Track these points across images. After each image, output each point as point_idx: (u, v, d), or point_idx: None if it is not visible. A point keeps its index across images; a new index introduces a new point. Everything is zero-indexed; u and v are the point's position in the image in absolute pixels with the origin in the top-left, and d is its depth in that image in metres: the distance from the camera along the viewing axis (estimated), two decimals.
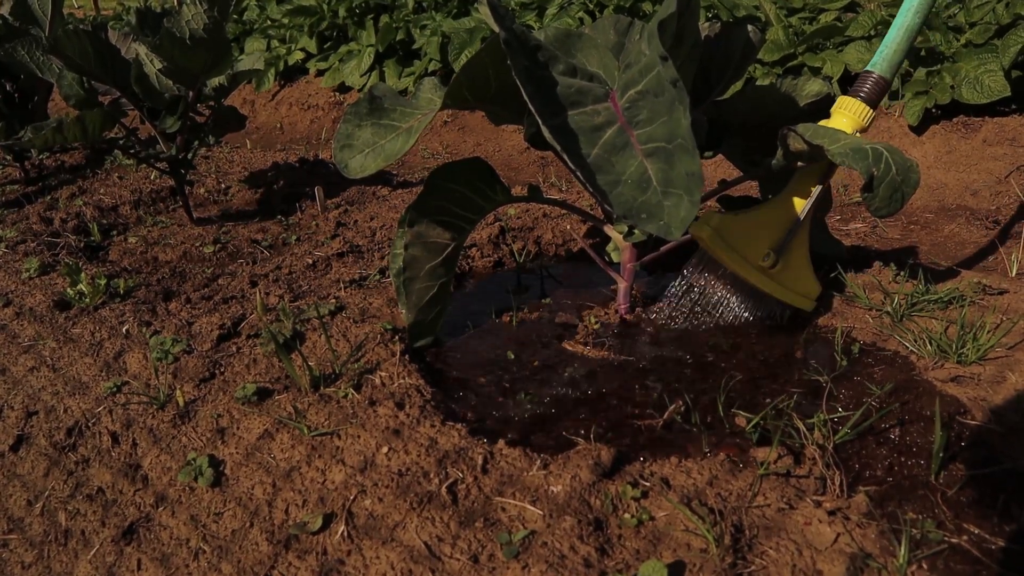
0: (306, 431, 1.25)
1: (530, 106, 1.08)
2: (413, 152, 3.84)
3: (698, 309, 1.60)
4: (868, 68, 1.49)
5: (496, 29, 1.12)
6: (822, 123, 1.51)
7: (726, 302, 1.59)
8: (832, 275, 1.66)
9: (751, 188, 2.46)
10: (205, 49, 2.14)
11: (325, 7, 4.56)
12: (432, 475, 1.12)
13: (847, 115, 1.48)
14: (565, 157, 1.06)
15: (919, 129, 2.72)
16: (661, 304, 1.67)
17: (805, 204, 1.49)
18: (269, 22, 5.13)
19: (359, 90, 4.39)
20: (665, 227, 1.03)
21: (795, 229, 1.48)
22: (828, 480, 1.06)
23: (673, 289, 1.62)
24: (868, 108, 1.47)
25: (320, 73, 4.69)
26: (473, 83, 1.25)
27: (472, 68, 1.20)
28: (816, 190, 1.49)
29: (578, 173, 1.06)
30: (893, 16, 2.83)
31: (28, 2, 2.37)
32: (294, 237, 2.38)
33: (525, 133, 1.45)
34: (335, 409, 1.30)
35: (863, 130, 1.49)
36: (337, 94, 4.55)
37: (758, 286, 1.48)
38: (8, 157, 3.35)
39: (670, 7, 1.13)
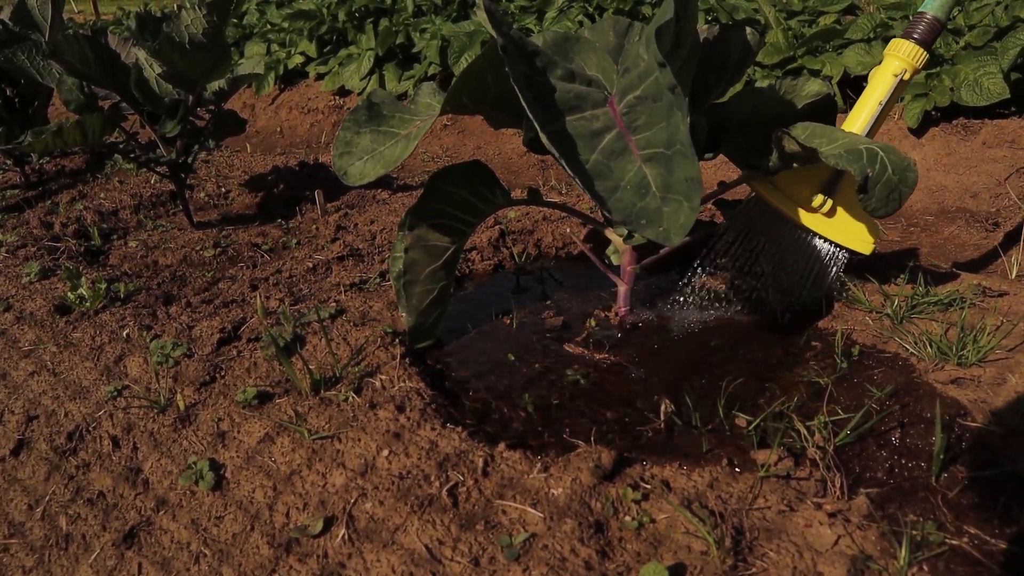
0: (306, 435, 1.25)
1: (528, 112, 1.08)
2: (413, 155, 3.84)
3: (743, 269, 1.55)
4: (921, 9, 1.47)
5: (493, 34, 1.13)
6: (874, 70, 1.49)
7: (776, 256, 1.54)
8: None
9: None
10: (205, 53, 2.15)
11: (325, 11, 4.56)
12: (433, 478, 1.12)
13: (899, 57, 1.46)
14: (563, 163, 1.06)
15: (919, 131, 2.72)
16: (692, 276, 1.61)
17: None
18: (269, 26, 5.13)
19: (359, 94, 4.40)
20: (665, 233, 1.03)
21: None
22: (829, 482, 1.06)
23: (711, 251, 1.56)
24: (921, 50, 1.45)
25: (320, 77, 4.69)
26: (472, 89, 1.25)
27: (470, 74, 1.21)
28: (870, 124, 1.47)
29: (576, 179, 1.06)
30: (892, 19, 2.84)
31: (28, 7, 2.38)
32: (294, 241, 2.38)
33: (523, 137, 1.45)
34: (335, 412, 1.30)
35: (917, 71, 1.47)
36: (337, 98, 4.56)
37: (812, 227, 1.43)
38: (8, 162, 3.35)
39: (667, 13, 1.13)
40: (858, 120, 1.51)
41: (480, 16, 1.18)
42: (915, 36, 1.46)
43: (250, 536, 1.11)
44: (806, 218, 1.45)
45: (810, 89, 1.58)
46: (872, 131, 1.49)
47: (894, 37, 1.50)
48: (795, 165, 1.44)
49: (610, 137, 1.13)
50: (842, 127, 1.52)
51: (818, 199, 1.46)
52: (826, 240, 1.49)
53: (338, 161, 1.31)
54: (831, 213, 1.47)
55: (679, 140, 1.06)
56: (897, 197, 1.25)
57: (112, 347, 1.63)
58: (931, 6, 1.47)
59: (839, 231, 1.47)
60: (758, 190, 1.46)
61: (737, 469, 1.12)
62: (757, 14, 3.32)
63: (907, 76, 1.46)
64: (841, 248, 1.50)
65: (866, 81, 1.68)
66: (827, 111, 1.56)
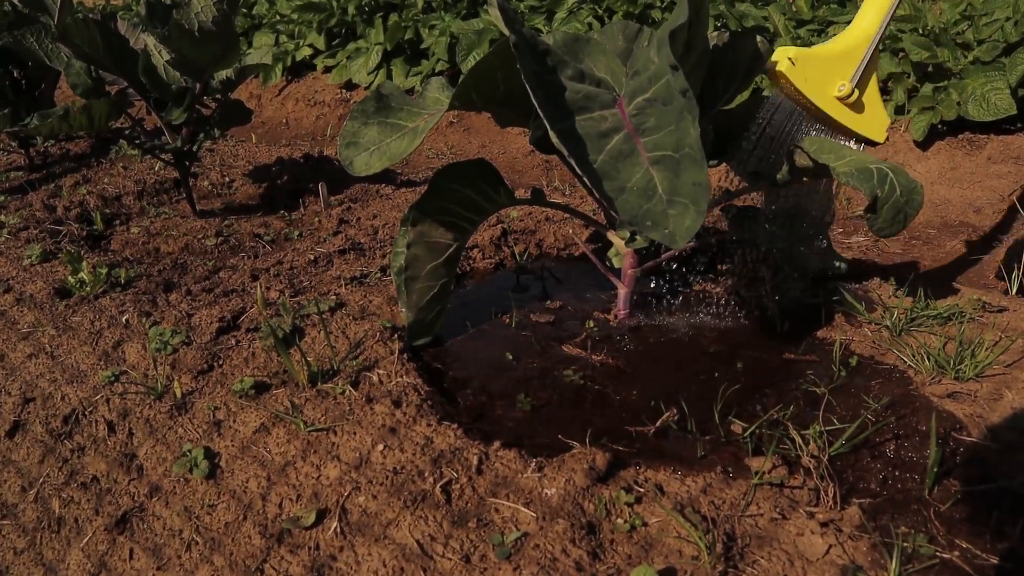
0: (302, 426, 1.25)
1: (538, 110, 1.08)
2: (418, 151, 3.84)
3: (771, 156, 1.61)
4: None
5: (506, 32, 1.13)
6: (851, 23, 1.52)
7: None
8: (834, 295, 1.66)
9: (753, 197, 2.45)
10: (213, 42, 2.15)
11: (335, 4, 4.56)
12: (427, 474, 1.12)
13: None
14: (572, 162, 1.07)
15: (924, 144, 2.72)
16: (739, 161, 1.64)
17: (877, 31, 1.50)
18: (278, 17, 5.13)
19: (366, 88, 4.39)
20: (670, 236, 1.03)
21: (867, 57, 1.50)
22: (822, 492, 1.06)
23: (745, 144, 1.62)
24: None
25: (327, 70, 4.69)
26: (481, 85, 1.25)
27: (480, 70, 1.21)
28: (887, 17, 1.50)
29: (584, 179, 1.06)
30: (901, 32, 2.84)
31: None
32: (296, 233, 2.38)
33: (531, 136, 1.45)
34: (332, 405, 1.30)
35: (893, 14, 1.51)
36: (344, 91, 4.55)
37: (836, 118, 1.49)
38: (13, 144, 3.35)
39: (681, 16, 1.13)
40: (870, 12, 1.52)
41: (493, 13, 1.18)
42: None
43: (242, 526, 1.11)
44: (830, 107, 1.49)
45: None
46: (883, 31, 1.52)
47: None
48: (804, 180, 1.45)
49: (618, 139, 1.13)
50: (857, 14, 1.54)
51: (847, 87, 1.48)
52: (844, 133, 1.53)
53: (344, 151, 1.31)
54: (853, 103, 1.51)
55: (688, 144, 1.06)
56: (903, 219, 1.26)
57: (111, 332, 1.63)
58: None
59: (857, 120, 1.51)
60: (787, 77, 1.48)
61: (731, 475, 1.12)
62: (767, 22, 3.32)
63: None
64: (859, 140, 1.55)
65: None
66: None
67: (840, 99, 1.49)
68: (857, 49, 1.50)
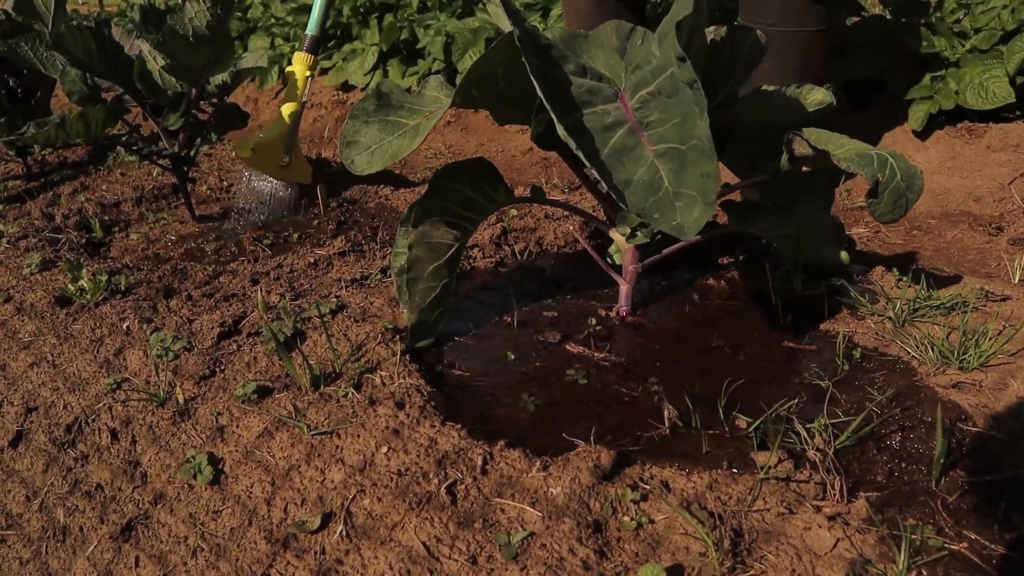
0: (306, 430, 1.25)
1: (545, 104, 1.08)
2: (416, 151, 3.84)
3: (252, 202, 2.57)
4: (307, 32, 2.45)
5: (509, 27, 1.13)
6: (275, 121, 2.47)
7: (269, 193, 2.56)
8: (838, 284, 1.66)
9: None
10: (208, 46, 2.14)
11: None
12: (431, 475, 1.12)
13: (298, 63, 2.46)
14: (580, 155, 1.07)
15: (923, 134, 2.71)
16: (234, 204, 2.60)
17: (294, 124, 2.46)
18: (273, 20, 5.12)
19: (362, 89, 4.39)
20: (679, 227, 1.04)
21: (294, 137, 2.47)
22: (828, 485, 1.06)
23: (240, 186, 2.60)
24: (311, 55, 2.45)
25: (324, 72, 4.68)
26: (482, 82, 1.25)
27: (481, 67, 1.20)
28: (299, 107, 2.47)
29: (594, 171, 1.06)
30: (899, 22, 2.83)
31: None
32: (296, 235, 2.38)
33: (532, 132, 1.45)
34: (335, 408, 1.30)
35: (313, 68, 2.47)
36: (340, 92, 4.54)
37: (283, 177, 2.51)
38: (10, 152, 3.35)
39: (686, 8, 1.12)
40: (286, 115, 2.46)
41: (493, 10, 1.18)
42: (304, 48, 2.45)
43: (247, 531, 1.11)
44: (280, 173, 2.49)
45: (814, 98, 1.57)
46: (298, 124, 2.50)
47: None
48: (804, 168, 1.44)
49: (621, 132, 1.13)
50: (280, 116, 2.47)
51: (287, 159, 2.47)
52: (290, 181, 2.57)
53: (345, 151, 1.30)
54: (290, 166, 2.50)
55: (696, 136, 1.06)
56: (904, 203, 1.25)
57: (112, 340, 1.63)
58: (311, 28, 2.44)
59: (295, 175, 2.55)
60: (252, 165, 2.45)
61: (737, 470, 1.11)
62: None
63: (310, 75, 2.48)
64: (296, 183, 2.59)
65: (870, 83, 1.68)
66: (830, 119, 1.56)
67: (283, 166, 2.47)
68: (287, 138, 2.44)
